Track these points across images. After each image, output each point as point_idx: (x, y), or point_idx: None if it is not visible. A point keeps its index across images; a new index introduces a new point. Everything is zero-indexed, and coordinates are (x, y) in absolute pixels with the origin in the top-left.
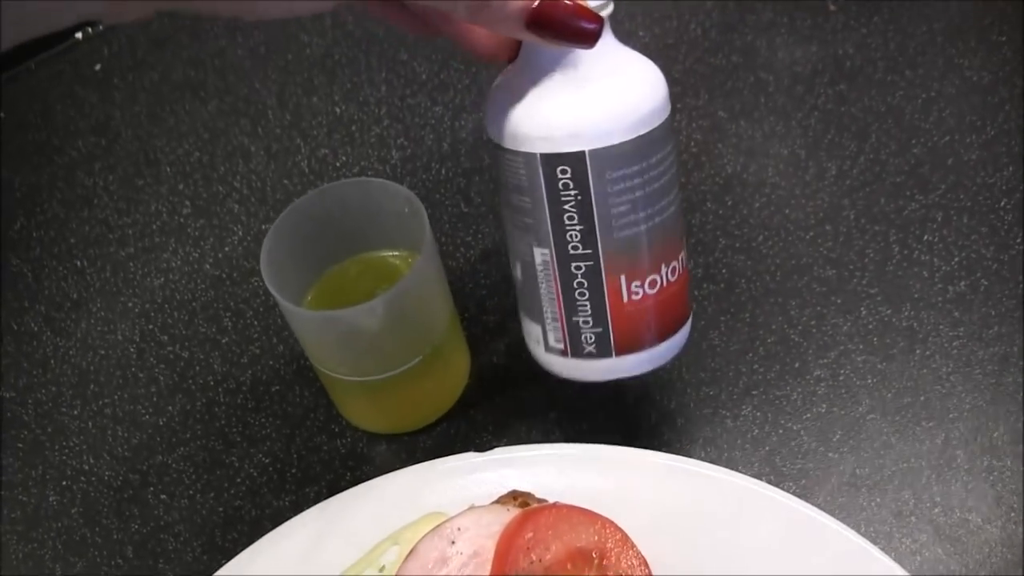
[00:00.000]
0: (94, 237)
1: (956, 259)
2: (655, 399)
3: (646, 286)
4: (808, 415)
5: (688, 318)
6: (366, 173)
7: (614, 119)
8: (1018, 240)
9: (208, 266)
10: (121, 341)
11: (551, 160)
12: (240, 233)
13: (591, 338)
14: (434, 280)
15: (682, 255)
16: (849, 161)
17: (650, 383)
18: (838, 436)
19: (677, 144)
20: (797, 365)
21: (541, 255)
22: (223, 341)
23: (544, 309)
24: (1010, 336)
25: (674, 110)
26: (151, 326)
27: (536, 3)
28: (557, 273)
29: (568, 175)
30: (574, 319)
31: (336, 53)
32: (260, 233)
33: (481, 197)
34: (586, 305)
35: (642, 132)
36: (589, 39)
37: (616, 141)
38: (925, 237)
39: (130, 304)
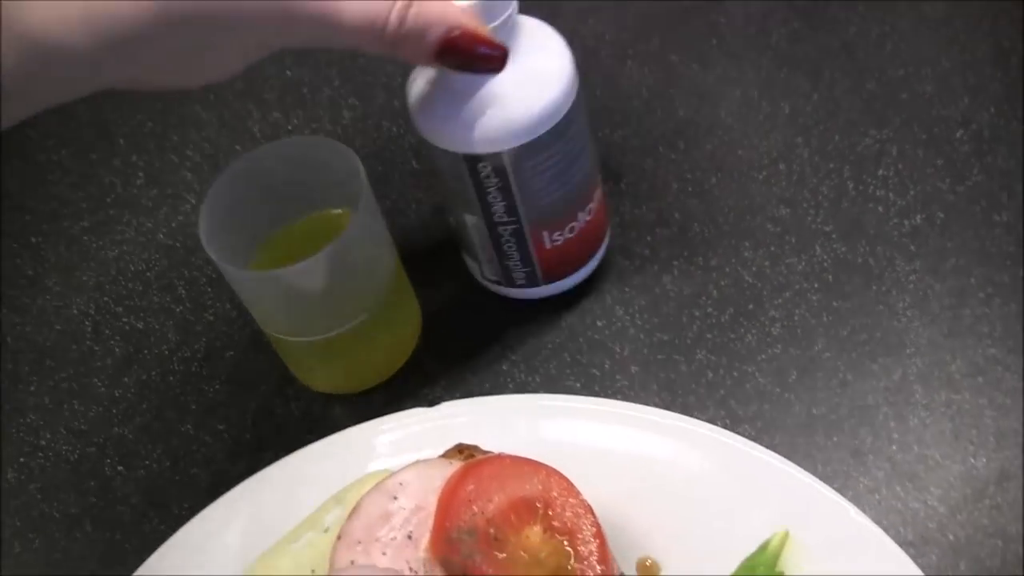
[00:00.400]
0: (49, 212)
1: (911, 193)
2: (609, 347)
3: (566, 232)
4: (763, 357)
5: (606, 234)
6: (318, 134)
7: (525, 121)
8: (974, 172)
9: (162, 236)
10: (77, 315)
11: (472, 159)
12: (193, 201)
13: (521, 276)
14: (375, 235)
15: (597, 193)
16: (803, 100)
17: (604, 330)
18: (793, 377)
19: (584, 106)
20: (751, 307)
21: (472, 220)
22: (177, 310)
23: (478, 253)
24: (967, 268)
25: (625, 56)
26: (106, 299)
27: (446, 38)
28: (487, 232)
29: (488, 168)
30: (505, 262)
31: None
32: None
33: None
34: (514, 254)
35: (552, 125)
36: (495, 69)
37: (529, 139)
38: (880, 172)
39: (85, 278)
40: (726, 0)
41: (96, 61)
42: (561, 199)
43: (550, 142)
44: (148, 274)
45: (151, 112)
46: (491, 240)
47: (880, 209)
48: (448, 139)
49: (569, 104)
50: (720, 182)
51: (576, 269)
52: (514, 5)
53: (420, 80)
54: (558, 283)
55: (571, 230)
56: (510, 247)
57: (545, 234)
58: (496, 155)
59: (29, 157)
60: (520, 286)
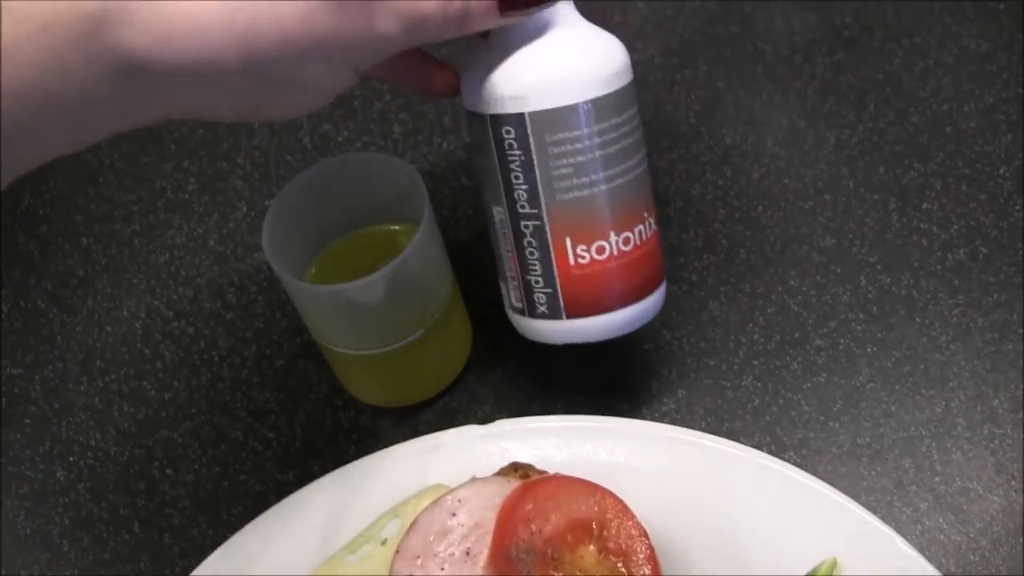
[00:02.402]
0: (100, 214)
1: (955, 227)
2: (656, 370)
3: (593, 251)
4: (808, 385)
5: (655, 290)
6: (368, 148)
7: (553, 84)
8: (1017, 207)
9: (212, 242)
10: (127, 317)
11: (497, 121)
12: (244, 209)
13: (542, 299)
14: (434, 253)
15: (641, 226)
16: (848, 130)
17: (651, 353)
18: (838, 405)
19: (638, 116)
20: (797, 335)
21: (498, 213)
22: (227, 316)
23: (506, 268)
24: (1009, 303)
25: (672, 82)
26: (156, 302)
27: None
28: (511, 230)
29: (512, 135)
30: (527, 278)
31: None
32: (264, 209)
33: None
34: (536, 264)
35: (583, 99)
36: None
37: (556, 106)
38: (924, 205)
39: (135, 280)
40: (771, 28)
41: (194, 86)
42: (588, 200)
43: (577, 122)
44: (198, 280)
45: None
46: (514, 242)
47: (924, 242)
48: (479, 99)
49: (607, 90)
50: (767, 210)
51: (604, 309)
52: None
53: (472, 54)
54: (583, 324)
55: (599, 251)
56: (531, 253)
57: (569, 242)
58: (519, 118)
59: (80, 158)
60: (541, 316)
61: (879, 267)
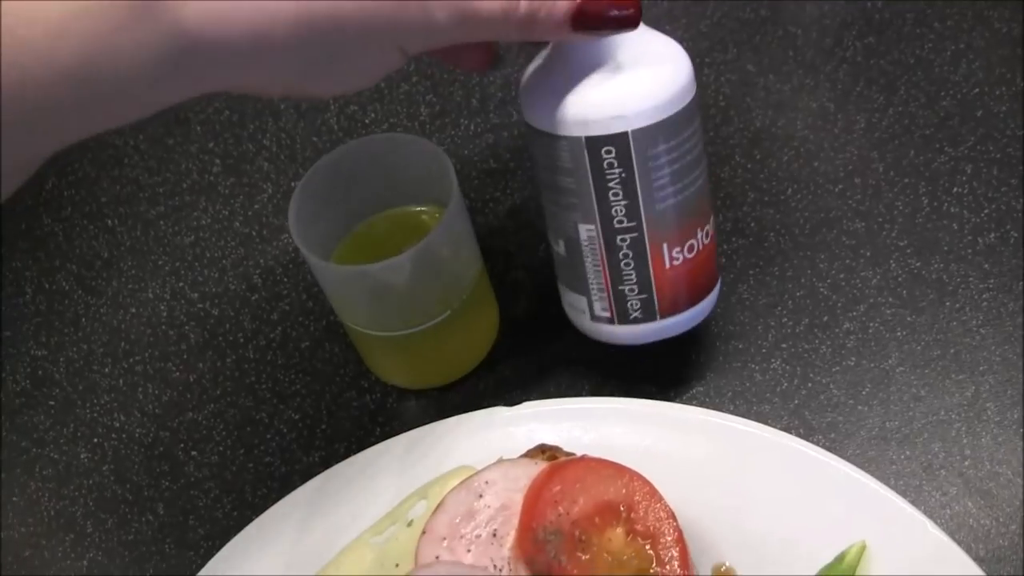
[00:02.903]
0: (125, 196)
1: (986, 211)
2: (684, 353)
3: (685, 251)
4: (837, 368)
5: (719, 277)
6: (395, 129)
7: (652, 99)
8: None
9: (238, 224)
10: (152, 299)
11: (596, 142)
12: (270, 191)
13: (636, 305)
14: (462, 235)
15: (712, 219)
16: (878, 114)
17: (680, 337)
18: (867, 389)
19: (702, 118)
20: (826, 318)
21: (587, 231)
22: (253, 298)
23: (589, 281)
24: None
25: (702, 64)
26: (181, 284)
27: (577, 4)
28: (603, 247)
29: (612, 155)
30: (619, 288)
31: None
32: (289, 190)
33: (510, 153)
34: (631, 275)
35: (677, 109)
36: (631, 24)
37: (656, 120)
38: (955, 189)
39: (160, 262)
40: (801, 12)
41: (247, 62)
42: (683, 205)
43: (673, 131)
44: (224, 261)
45: (228, 100)
46: (606, 256)
47: (954, 226)
48: (570, 122)
49: (691, 95)
50: (796, 193)
51: (691, 304)
52: None
53: (535, 68)
54: (673, 321)
55: (690, 249)
56: (627, 264)
57: (665, 247)
58: (622, 136)
59: (105, 140)
60: (634, 321)
61: (909, 251)
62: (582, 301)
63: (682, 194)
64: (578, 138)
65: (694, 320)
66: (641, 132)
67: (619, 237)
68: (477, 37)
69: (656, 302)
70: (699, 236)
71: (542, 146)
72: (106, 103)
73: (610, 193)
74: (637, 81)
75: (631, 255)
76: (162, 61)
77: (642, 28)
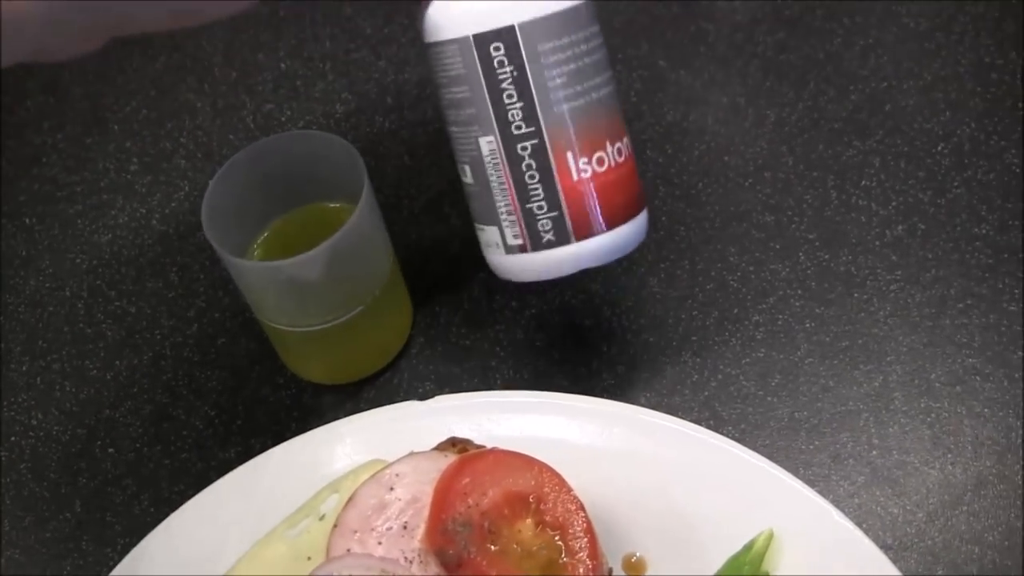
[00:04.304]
0: (43, 195)
1: (893, 204)
2: (596, 346)
3: (594, 162)
4: (747, 360)
5: (643, 209)
6: (311, 127)
7: None
8: (955, 184)
9: (155, 222)
10: (69, 297)
11: (484, 39)
12: (187, 188)
13: (547, 225)
14: (373, 229)
15: (626, 139)
16: (788, 108)
17: (591, 330)
18: (776, 380)
19: (602, 29)
20: (736, 311)
21: (487, 144)
22: (170, 296)
23: (498, 205)
24: (947, 279)
25: (614, 60)
26: (99, 282)
27: None
28: (505, 159)
29: (501, 52)
30: (528, 206)
31: (282, 10)
32: (206, 188)
33: (425, 150)
34: (537, 188)
35: (570, 3)
36: None
37: (543, 13)
38: (863, 182)
39: (78, 260)
40: (713, 7)
41: None
42: (585, 111)
43: (565, 28)
44: (141, 259)
45: (146, 99)
46: (510, 170)
47: (862, 219)
48: (456, 22)
49: None
50: (707, 187)
51: (608, 225)
52: None
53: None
54: (590, 245)
55: (600, 162)
56: (532, 176)
57: (570, 156)
58: (509, 30)
59: (24, 139)
60: (548, 244)
61: (818, 243)
62: (495, 232)
63: (583, 98)
64: (465, 37)
65: (615, 248)
66: (529, 25)
67: (519, 145)
68: None
69: (568, 220)
70: (609, 150)
71: (437, 60)
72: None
73: (504, 95)
74: None
75: (535, 165)
76: None
77: None
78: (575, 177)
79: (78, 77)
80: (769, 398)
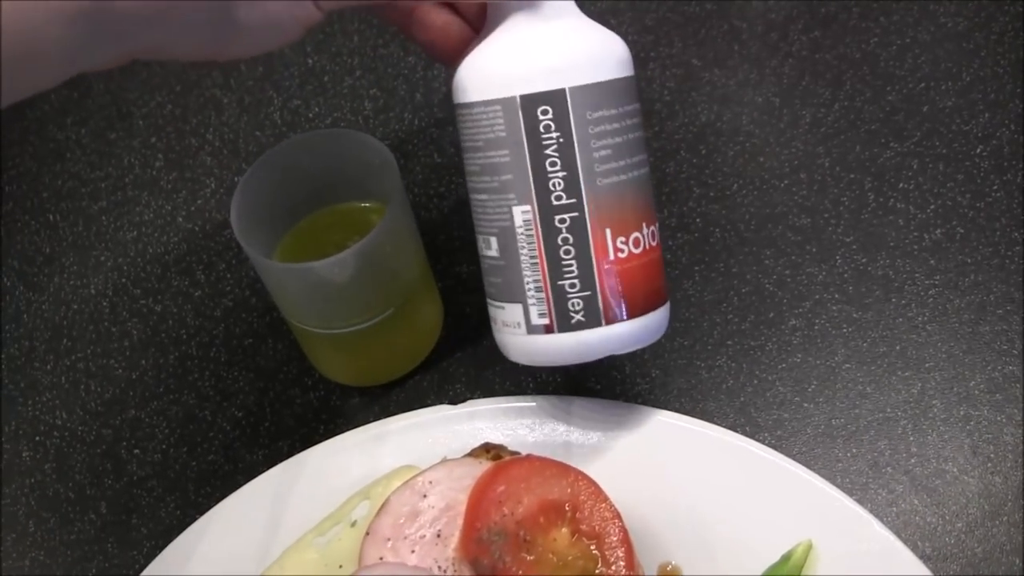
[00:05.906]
0: (66, 191)
1: (932, 207)
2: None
3: (630, 243)
4: (783, 365)
5: (667, 302)
6: (339, 124)
7: (590, 56)
8: (994, 187)
9: (181, 219)
10: (94, 295)
11: (532, 101)
12: (213, 185)
13: (579, 304)
14: (405, 231)
15: (656, 225)
16: (824, 109)
17: None
18: (813, 386)
19: (646, 115)
20: (772, 315)
21: (523, 214)
22: (196, 295)
23: (526, 280)
24: (986, 284)
25: (647, 59)
26: (124, 280)
27: None
28: (540, 230)
29: (549, 115)
30: (559, 283)
31: None
32: (233, 185)
33: (454, 147)
34: (572, 264)
35: (617, 75)
36: None
37: (595, 80)
38: (900, 185)
39: (103, 258)
40: (747, 6)
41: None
42: (627, 188)
43: (615, 99)
44: (166, 257)
45: (171, 94)
46: (544, 244)
47: (900, 222)
48: (501, 82)
49: (632, 71)
50: (741, 189)
51: (638, 311)
52: None
53: (468, 55)
54: (619, 330)
55: (636, 243)
56: (567, 252)
57: (609, 234)
58: (559, 94)
59: (47, 135)
60: (576, 326)
61: (855, 247)
62: (517, 311)
63: (625, 174)
64: (512, 98)
65: (640, 337)
66: (579, 91)
67: (558, 218)
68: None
69: (599, 301)
70: (645, 232)
71: (473, 122)
72: (13, 68)
73: (547, 162)
74: (574, 40)
75: (571, 240)
76: (67, 25)
77: (577, 9)
78: (612, 256)
79: (101, 72)
80: (806, 404)
